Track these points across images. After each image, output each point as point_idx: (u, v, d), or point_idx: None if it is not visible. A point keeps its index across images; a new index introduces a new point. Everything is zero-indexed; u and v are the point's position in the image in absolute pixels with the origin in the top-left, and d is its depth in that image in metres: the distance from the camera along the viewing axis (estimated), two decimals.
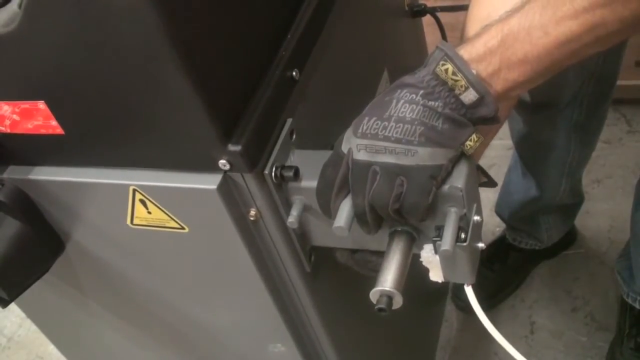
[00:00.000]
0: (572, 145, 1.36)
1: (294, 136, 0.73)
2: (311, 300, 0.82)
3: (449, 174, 0.64)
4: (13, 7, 0.63)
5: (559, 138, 1.34)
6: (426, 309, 1.49)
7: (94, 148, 0.72)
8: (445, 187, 0.64)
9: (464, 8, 1.17)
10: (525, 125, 1.35)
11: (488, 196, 1.66)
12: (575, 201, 1.56)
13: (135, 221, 0.76)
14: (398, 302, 0.66)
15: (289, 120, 0.72)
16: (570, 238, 1.67)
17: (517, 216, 1.55)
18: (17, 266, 0.78)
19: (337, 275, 0.88)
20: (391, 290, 0.66)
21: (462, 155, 0.65)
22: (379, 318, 0.68)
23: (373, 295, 0.67)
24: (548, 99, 1.26)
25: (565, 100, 1.26)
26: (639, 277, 1.36)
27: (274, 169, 0.69)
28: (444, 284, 0.73)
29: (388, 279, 0.66)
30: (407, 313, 0.71)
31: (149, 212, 0.74)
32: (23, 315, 1.19)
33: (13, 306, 0.84)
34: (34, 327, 1.29)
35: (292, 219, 0.71)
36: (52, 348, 1.65)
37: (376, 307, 0.66)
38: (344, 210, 0.66)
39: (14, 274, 0.78)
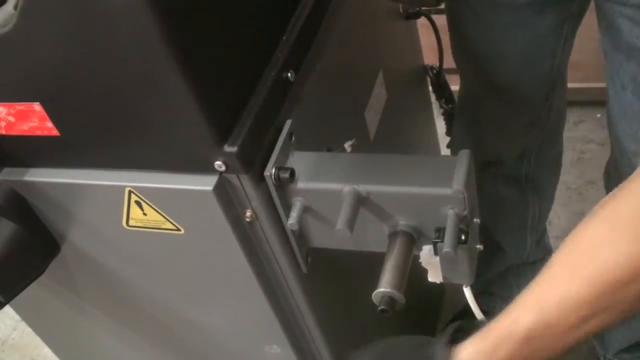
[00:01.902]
0: (529, 198, 1.31)
1: (294, 138, 0.73)
2: (307, 301, 0.82)
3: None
4: (8, 8, 0.63)
5: (513, 193, 1.29)
6: (422, 311, 1.48)
7: (89, 149, 0.72)
8: (447, 189, 0.64)
9: None
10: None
11: None
12: (544, 257, 1.45)
13: (131, 223, 0.76)
14: (400, 302, 0.67)
15: (289, 122, 0.72)
16: None
17: (486, 280, 1.46)
18: (12, 268, 0.78)
19: (333, 277, 0.88)
20: (393, 291, 0.66)
21: (461, 155, 0.65)
22: (375, 320, 0.68)
23: (375, 297, 0.67)
24: (495, 157, 1.22)
25: (512, 157, 1.22)
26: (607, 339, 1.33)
27: (273, 170, 0.69)
28: (441, 285, 0.73)
29: (390, 281, 0.67)
30: (404, 314, 0.71)
31: (145, 214, 0.74)
32: (17, 318, 1.18)
33: (7, 309, 0.84)
34: (28, 330, 1.28)
35: (292, 221, 0.70)
36: (46, 351, 1.64)
37: (379, 308, 0.66)
38: (346, 212, 0.66)
39: (9, 276, 0.78)
